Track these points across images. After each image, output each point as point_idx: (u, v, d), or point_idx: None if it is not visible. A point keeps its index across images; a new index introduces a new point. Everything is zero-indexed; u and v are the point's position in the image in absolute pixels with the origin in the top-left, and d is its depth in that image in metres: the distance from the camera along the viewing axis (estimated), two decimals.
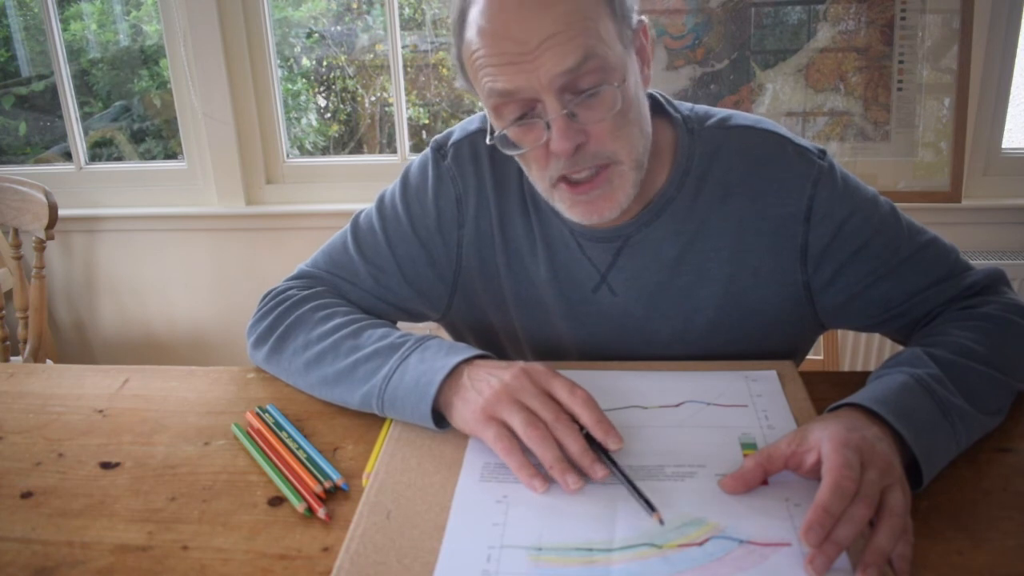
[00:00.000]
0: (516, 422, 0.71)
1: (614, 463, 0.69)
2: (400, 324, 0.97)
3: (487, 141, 0.84)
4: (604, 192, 0.82)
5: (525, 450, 0.71)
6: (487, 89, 0.78)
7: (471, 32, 0.78)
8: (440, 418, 0.77)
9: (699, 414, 0.79)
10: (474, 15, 0.77)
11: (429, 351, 0.81)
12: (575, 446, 0.69)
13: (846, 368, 2.07)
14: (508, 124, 0.80)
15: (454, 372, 0.77)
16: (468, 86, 0.85)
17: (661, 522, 0.63)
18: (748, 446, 0.73)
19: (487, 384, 0.74)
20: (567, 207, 0.84)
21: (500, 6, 0.75)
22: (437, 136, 0.99)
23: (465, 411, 0.74)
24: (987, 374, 0.77)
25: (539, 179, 0.84)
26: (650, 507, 0.64)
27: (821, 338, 1.45)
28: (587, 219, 0.84)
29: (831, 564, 0.58)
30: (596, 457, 0.69)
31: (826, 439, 0.65)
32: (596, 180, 0.81)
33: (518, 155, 0.84)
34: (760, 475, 0.67)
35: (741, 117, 0.92)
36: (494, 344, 1.03)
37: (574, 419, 0.72)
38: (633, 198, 0.85)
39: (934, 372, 0.74)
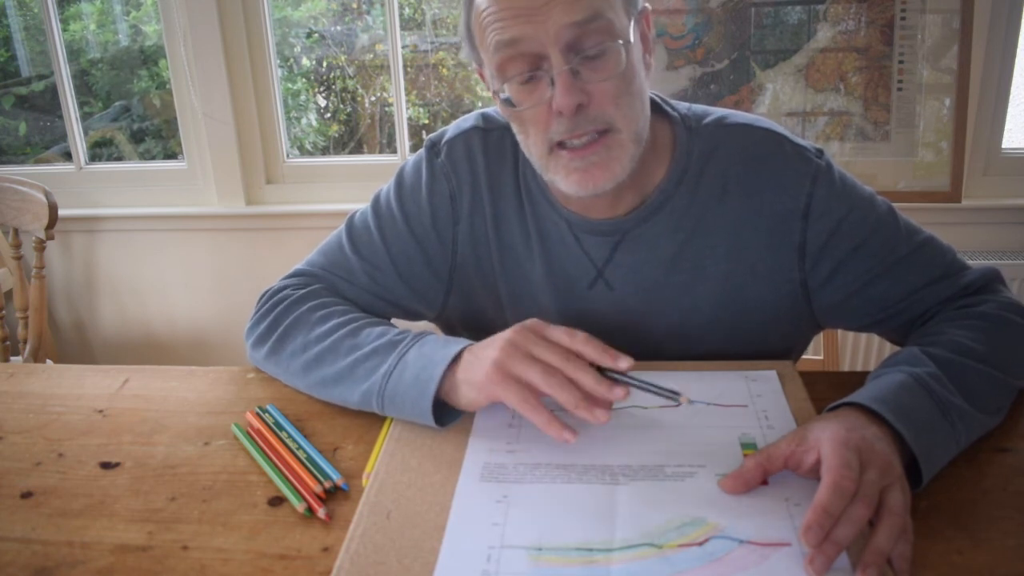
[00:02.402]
0: (534, 375, 0.72)
1: (625, 376, 0.72)
2: (396, 322, 0.97)
3: (495, 92, 0.84)
4: (601, 159, 0.82)
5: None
6: (494, 43, 0.79)
7: None
8: (440, 415, 0.77)
9: (699, 414, 0.79)
10: None
11: (427, 345, 0.81)
12: (589, 379, 0.71)
13: (846, 368, 2.07)
14: (511, 79, 0.81)
15: (453, 363, 0.78)
16: (474, 55, 0.86)
17: (690, 402, 0.66)
18: (748, 446, 0.73)
19: (490, 348, 0.76)
20: (564, 175, 0.83)
21: None
22: (431, 135, 0.99)
23: (476, 377, 0.75)
24: (986, 373, 0.77)
25: (537, 144, 0.84)
26: (674, 393, 0.68)
27: (821, 338, 1.46)
28: (583, 188, 0.83)
29: (831, 564, 0.58)
30: (612, 382, 0.71)
31: (825, 439, 0.65)
32: (594, 146, 0.81)
33: (518, 122, 0.84)
34: (760, 475, 0.67)
35: (739, 116, 0.92)
36: None
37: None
38: (628, 172, 0.84)
39: (933, 371, 0.75)
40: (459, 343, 0.80)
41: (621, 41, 0.79)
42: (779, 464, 0.68)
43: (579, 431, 0.76)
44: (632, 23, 0.82)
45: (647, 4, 0.86)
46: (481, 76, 0.88)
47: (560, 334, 0.75)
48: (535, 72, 0.80)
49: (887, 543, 0.59)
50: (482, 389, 0.75)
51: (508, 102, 0.83)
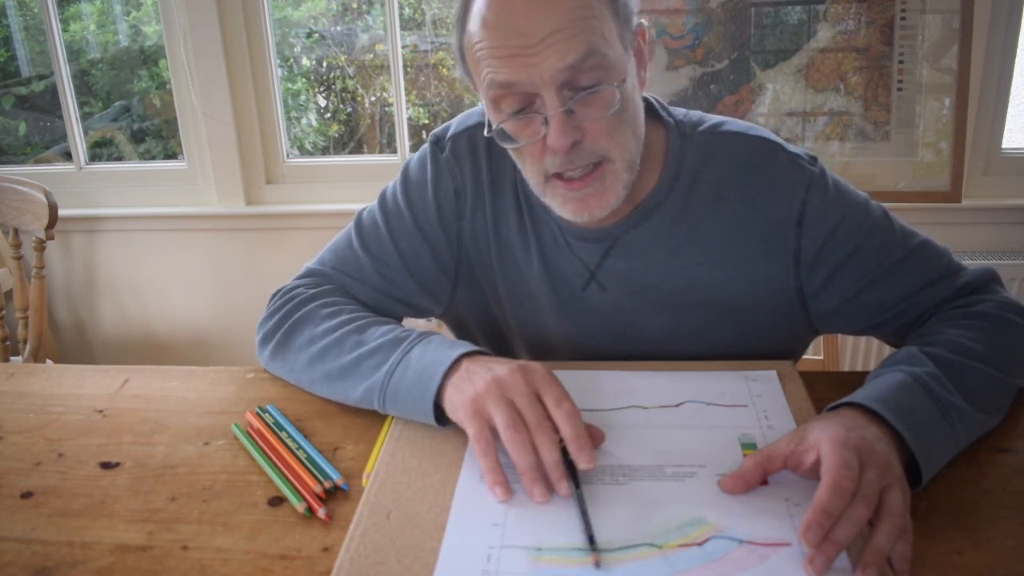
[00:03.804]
0: (499, 419, 0.71)
1: (577, 486, 0.67)
2: (404, 321, 0.98)
3: (485, 134, 0.85)
4: (596, 190, 0.83)
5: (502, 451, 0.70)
6: (488, 80, 0.79)
7: (474, 24, 0.79)
8: (441, 414, 0.78)
9: (699, 414, 0.79)
10: (479, 6, 0.78)
11: (432, 344, 0.81)
12: (550, 456, 0.68)
13: (846, 368, 2.07)
14: (506, 117, 0.81)
15: (455, 365, 0.77)
16: (467, 77, 0.85)
17: (597, 564, 0.60)
18: (748, 446, 0.73)
19: (481, 377, 0.74)
20: (559, 203, 0.85)
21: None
22: (435, 130, 0.99)
23: (456, 399, 0.75)
24: (985, 372, 0.77)
25: (533, 174, 0.84)
26: (591, 543, 0.62)
27: (821, 338, 1.46)
28: (578, 217, 0.84)
29: (831, 564, 0.58)
30: (566, 473, 0.68)
31: (825, 439, 0.65)
32: (589, 178, 0.82)
33: (513, 149, 0.84)
34: (760, 475, 0.67)
35: (733, 123, 0.92)
36: (497, 337, 1.03)
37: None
38: (623, 199, 0.85)
39: (932, 371, 0.75)
40: (462, 346, 0.80)
41: (616, 83, 0.78)
42: (779, 464, 0.68)
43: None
44: (626, 48, 0.81)
45: (643, 21, 0.85)
46: (475, 88, 0.88)
47: (549, 395, 0.72)
48: (529, 108, 0.80)
49: (887, 543, 0.59)
50: (455, 412, 0.75)
51: (503, 135, 0.83)
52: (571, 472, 0.68)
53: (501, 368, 0.75)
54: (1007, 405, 0.79)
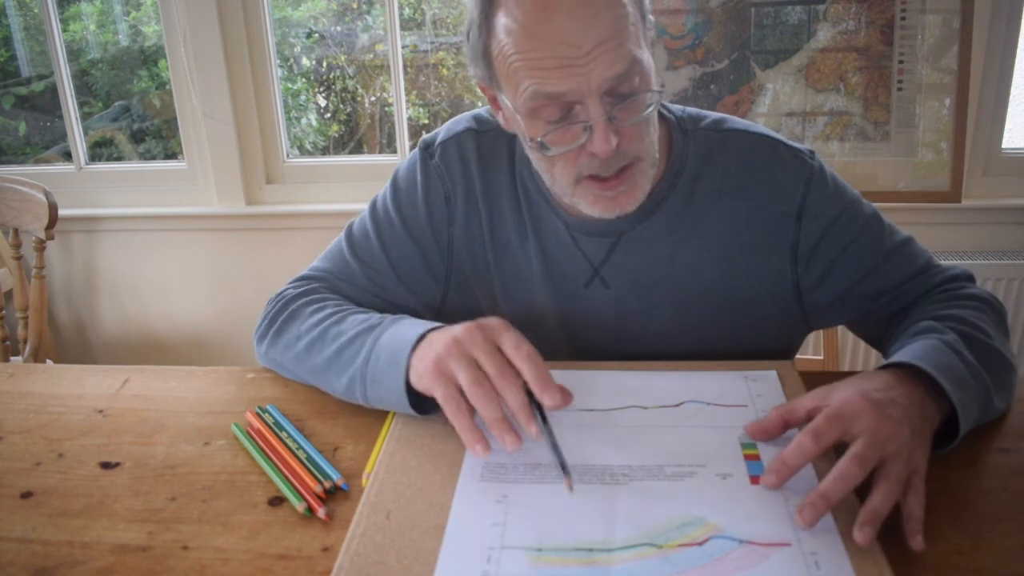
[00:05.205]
0: (462, 378, 0.71)
1: (545, 422, 0.70)
2: None
3: (531, 139, 0.83)
4: (627, 188, 0.84)
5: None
6: (531, 91, 0.78)
7: (509, 31, 0.77)
8: (418, 401, 0.77)
9: (699, 414, 0.79)
10: (511, 13, 0.77)
11: (402, 324, 0.82)
12: (514, 400, 0.70)
13: (846, 368, 2.07)
14: (549, 129, 0.80)
15: (420, 341, 0.78)
16: (488, 79, 0.84)
17: (571, 488, 0.64)
18: (748, 446, 0.73)
19: (441, 341, 0.75)
20: (590, 202, 0.85)
21: (548, 8, 0.75)
22: (424, 136, 1.00)
23: (420, 367, 0.75)
24: (992, 346, 0.80)
25: (563, 175, 0.84)
26: (564, 470, 0.65)
27: (821, 338, 1.46)
28: (608, 213, 0.85)
29: (819, 517, 0.61)
30: (533, 415, 0.69)
31: (837, 401, 0.68)
32: (621, 176, 0.83)
33: (545, 159, 0.84)
34: (781, 427, 0.70)
35: (734, 121, 0.94)
36: None
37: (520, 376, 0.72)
38: (648, 193, 0.86)
39: (954, 337, 0.77)
40: (425, 324, 0.80)
41: (652, 89, 0.80)
42: (800, 417, 0.70)
43: (574, 432, 0.76)
44: (650, 47, 0.82)
45: (651, 17, 0.86)
46: (482, 89, 0.88)
47: (507, 342, 0.73)
48: (568, 117, 0.79)
49: (882, 504, 0.61)
50: (421, 379, 0.75)
51: (541, 144, 0.82)
52: (539, 413, 0.70)
53: (458, 329, 0.75)
54: (1011, 386, 0.81)
